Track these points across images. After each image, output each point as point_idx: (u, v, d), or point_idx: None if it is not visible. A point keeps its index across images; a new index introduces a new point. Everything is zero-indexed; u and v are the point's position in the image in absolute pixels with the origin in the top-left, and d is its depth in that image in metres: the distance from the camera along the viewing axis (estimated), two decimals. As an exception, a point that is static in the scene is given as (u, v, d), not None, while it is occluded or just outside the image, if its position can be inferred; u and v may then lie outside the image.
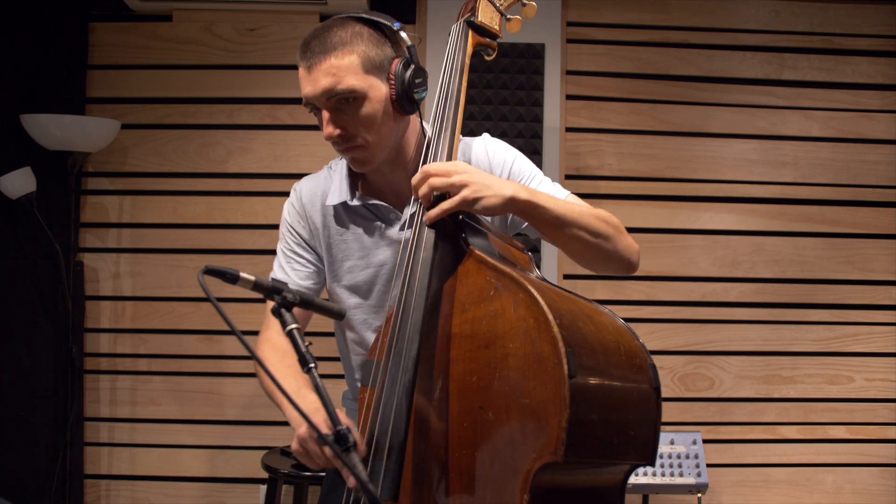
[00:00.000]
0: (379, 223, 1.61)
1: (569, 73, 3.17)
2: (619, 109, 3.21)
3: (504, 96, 3.09)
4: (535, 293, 1.25)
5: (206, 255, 3.14)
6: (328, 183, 1.65)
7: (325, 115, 1.48)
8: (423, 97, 1.53)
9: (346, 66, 1.45)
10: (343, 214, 1.63)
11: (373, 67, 1.48)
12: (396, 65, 1.50)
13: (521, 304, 1.26)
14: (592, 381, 1.23)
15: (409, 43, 1.52)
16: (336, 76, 1.45)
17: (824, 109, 3.25)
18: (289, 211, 1.68)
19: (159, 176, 3.16)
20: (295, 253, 1.66)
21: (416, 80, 1.51)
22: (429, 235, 1.40)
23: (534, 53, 3.10)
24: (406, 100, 1.50)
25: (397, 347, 1.35)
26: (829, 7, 3.24)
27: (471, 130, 3.04)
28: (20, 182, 2.91)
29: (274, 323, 1.59)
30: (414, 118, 1.60)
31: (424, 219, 1.39)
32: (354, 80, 1.46)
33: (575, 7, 3.19)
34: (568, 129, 3.18)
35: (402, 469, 1.30)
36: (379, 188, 1.62)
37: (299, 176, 3.12)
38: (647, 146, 3.21)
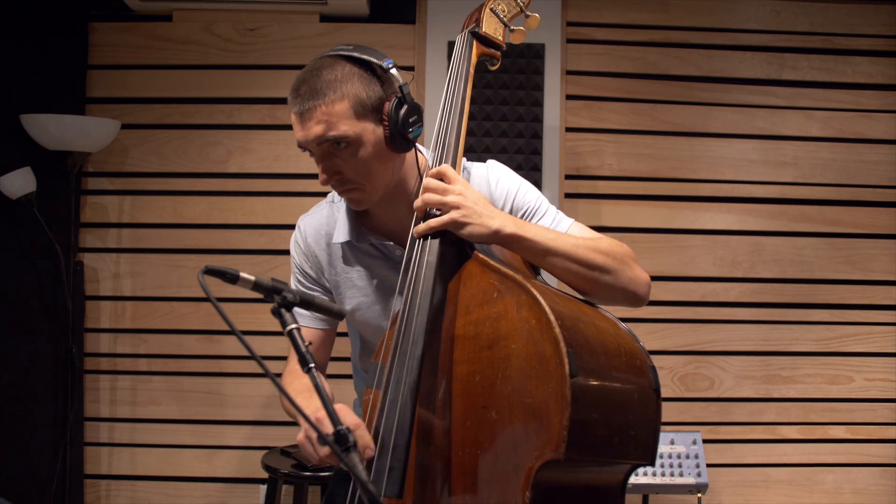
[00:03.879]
0: (385, 262, 1.59)
1: (569, 73, 3.17)
2: (619, 109, 3.21)
3: (504, 96, 3.09)
4: (538, 295, 1.27)
5: (206, 255, 3.14)
6: (332, 220, 1.64)
7: (319, 161, 1.47)
8: (419, 134, 1.50)
9: (338, 112, 1.43)
10: (349, 253, 1.62)
11: (364, 111, 1.45)
12: (389, 106, 1.46)
13: (524, 305, 1.28)
14: (593, 381, 1.25)
15: (402, 82, 1.48)
16: (328, 123, 1.43)
17: (824, 109, 3.25)
18: (295, 250, 1.68)
19: (159, 176, 3.16)
20: (310, 288, 1.66)
21: (410, 119, 1.47)
22: (433, 240, 1.41)
23: (534, 53, 3.10)
24: (401, 139, 1.47)
25: (402, 348, 1.36)
26: (829, 7, 3.24)
27: (471, 131, 3.05)
28: (20, 182, 2.91)
29: (291, 355, 1.64)
30: (410, 152, 1.57)
31: (413, 232, 1.42)
32: (346, 126, 1.43)
33: (575, 7, 3.19)
34: (568, 129, 3.18)
35: (407, 467, 1.30)
36: (383, 224, 1.60)
37: (299, 176, 3.14)
38: (647, 146, 3.21)
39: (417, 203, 1.43)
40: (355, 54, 1.48)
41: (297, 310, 1.61)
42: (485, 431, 1.29)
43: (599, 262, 1.47)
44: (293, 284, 1.69)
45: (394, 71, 1.48)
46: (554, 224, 1.58)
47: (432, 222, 1.40)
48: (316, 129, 1.43)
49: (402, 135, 1.47)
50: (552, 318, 1.24)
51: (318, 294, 1.65)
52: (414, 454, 1.34)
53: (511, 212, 1.59)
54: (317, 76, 1.45)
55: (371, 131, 1.46)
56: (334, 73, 1.45)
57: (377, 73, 1.48)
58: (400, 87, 1.48)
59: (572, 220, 1.61)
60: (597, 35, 3.21)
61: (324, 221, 1.65)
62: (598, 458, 1.27)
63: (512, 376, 1.27)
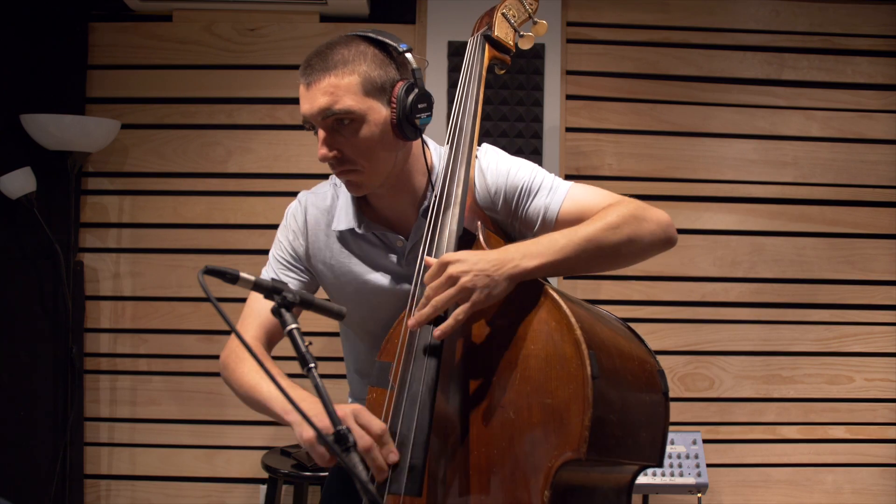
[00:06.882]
0: (385, 251, 1.57)
1: (569, 73, 3.17)
2: (619, 109, 3.21)
3: (504, 96, 3.09)
4: (557, 297, 1.30)
5: (206, 255, 3.14)
6: (334, 204, 1.60)
7: (321, 134, 1.43)
8: (427, 123, 1.47)
9: (345, 85, 1.40)
10: (349, 240, 1.58)
11: (373, 89, 1.42)
12: (399, 88, 1.44)
13: (542, 307, 1.31)
14: (611, 383, 1.27)
15: (415, 66, 1.46)
16: (334, 95, 1.40)
17: (824, 109, 3.25)
18: (289, 222, 1.63)
19: (159, 176, 3.16)
20: (288, 263, 1.62)
21: (419, 106, 1.44)
22: (449, 241, 1.41)
23: (534, 53, 3.10)
24: (407, 125, 1.44)
25: (419, 347, 1.35)
26: (829, 7, 3.24)
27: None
28: (20, 182, 2.91)
29: (245, 327, 1.56)
30: (417, 143, 1.53)
31: (437, 333, 1.31)
32: (352, 100, 1.40)
33: (575, 7, 3.19)
34: (568, 129, 3.18)
35: (426, 466, 1.31)
36: (384, 214, 1.58)
37: (299, 176, 3.14)
38: (647, 146, 3.21)
39: (429, 312, 1.31)
40: (371, 35, 1.47)
41: (278, 270, 1.61)
42: (502, 431, 1.30)
43: (619, 239, 1.41)
44: (272, 255, 1.64)
45: (409, 56, 1.46)
46: (550, 194, 1.52)
47: (459, 315, 1.30)
48: (321, 101, 1.40)
49: (409, 120, 1.43)
50: (573, 320, 1.26)
51: (294, 275, 1.61)
52: (430, 453, 1.34)
53: (506, 196, 1.55)
54: (331, 50, 1.43)
55: (377, 111, 1.43)
56: (349, 49, 1.43)
57: (392, 56, 1.46)
58: (413, 71, 1.46)
59: (570, 183, 1.55)
60: (597, 35, 3.20)
61: (328, 202, 1.61)
62: (612, 458, 1.30)
63: (531, 377, 1.28)
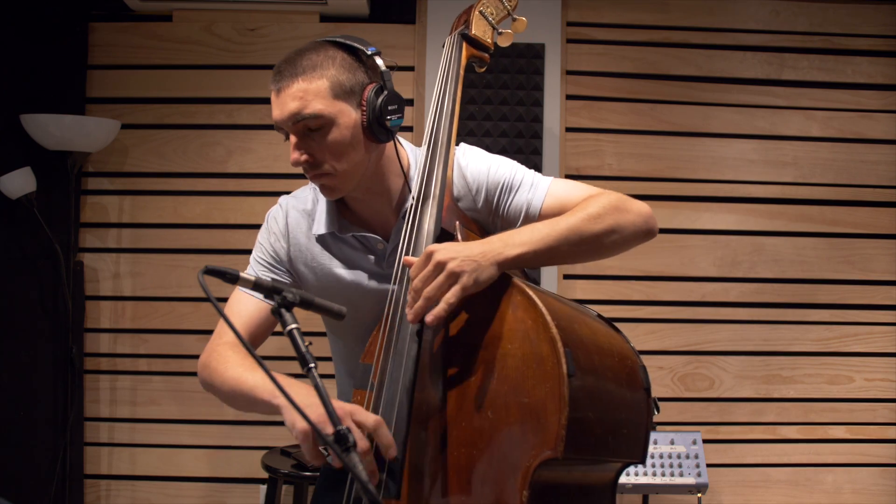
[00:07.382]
0: (366, 254, 1.57)
1: (569, 73, 3.17)
2: (619, 109, 3.20)
3: (504, 96, 3.09)
4: (533, 295, 1.29)
5: (206, 255, 3.14)
6: (314, 208, 1.61)
7: (293, 139, 1.45)
8: (398, 124, 1.48)
9: (315, 90, 1.42)
10: (330, 243, 1.59)
11: (343, 93, 1.44)
12: (369, 91, 1.45)
13: (519, 306, 1.30)
14: (589, 380, 1.26)
15: (384, 69, 1.47)
16: (303, 100, 1.42)
17: (824, 109, 3.25)
18: (271, 225, 1.64)
19: (159, 176, 3.16)
20: (270, 265, 1.63)
21: (389, 108, 1.45)
22: (427, 241, 1.41)
23: (534, 53, 3.10)
24: (378, 127, 1.45)
25: (397, 348, 1.36)
26: (829, 7, 3.24)
27: (470, 131, 3.05)
28: (20, 182, 2.91)
29: (226, 329, 1.55)
30: (390, 145, 1.55)
31: (429, 319, 1.30)
32: (322, 104, 1.42)
33: (575, 7, 3.19)
34: (568, 129, 3.18)
35: (405, 467, 1.31)
36: (363, 216, 1.59)
37: (299, 176, 3.13)
38: (647, 146, 3.21)
39: (420, 306, 1.32)
40: (340, 40, 1.49)
41: (260, 272, 1.62)
42: (480, 431, 1.29)
43: (601, 229, 1.43)
44: (253, 258, 1.65)
45: (379, 59, 1.48)
46: (532, 190, 1.54)
47: (450, 299, 1.30)
48: (291, 106, 1.42)
49: (379, 122, 1.45)
50: (549, 318, 1.25)
51: (276, 276, 1.62)
52: (409, 454, 1.34)
53: (487, 193, 1.56)
54: (300, 56, 1.45)
55: (348, 114, 1.44)
56: (317, 55, 1.45)
57: (361, 59, 1.48)
58: (382, 74, 1.47)
59: (550, 178, 1.57)
60: (597, 35, 3.20)
61: (309, 206, 1.62)
62: (592, 456, 1.29)
63: (508, 376, 1.28)
